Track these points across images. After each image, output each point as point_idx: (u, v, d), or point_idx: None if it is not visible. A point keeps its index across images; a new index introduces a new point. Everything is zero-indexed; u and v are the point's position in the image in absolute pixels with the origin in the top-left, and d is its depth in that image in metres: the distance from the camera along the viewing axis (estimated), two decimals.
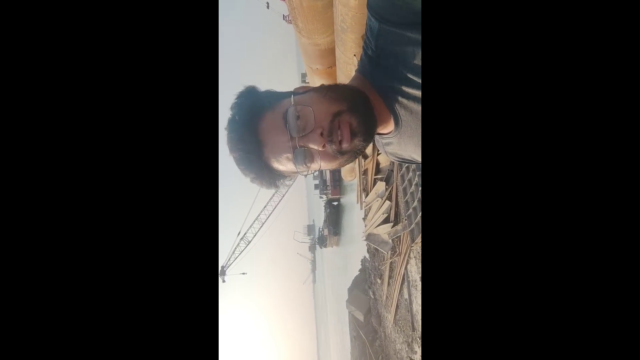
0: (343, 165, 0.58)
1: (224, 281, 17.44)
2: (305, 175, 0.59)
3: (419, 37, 0.50)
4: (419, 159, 0.66)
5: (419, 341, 4.24)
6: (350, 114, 0.52)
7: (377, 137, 0.66)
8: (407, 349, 4.67)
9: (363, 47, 0.59)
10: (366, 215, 6.77)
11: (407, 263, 4.50)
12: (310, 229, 41.30)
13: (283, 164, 0.55)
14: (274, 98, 0.56)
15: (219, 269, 16.76)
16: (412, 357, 4.44)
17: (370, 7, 0.55)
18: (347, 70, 3.16)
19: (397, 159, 0.72)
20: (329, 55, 3.51)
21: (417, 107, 0.55)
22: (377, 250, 5.98)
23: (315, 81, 4.39)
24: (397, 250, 4.93)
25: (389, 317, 5.41)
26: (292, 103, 0.53)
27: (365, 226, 6.56)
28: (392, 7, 0.51)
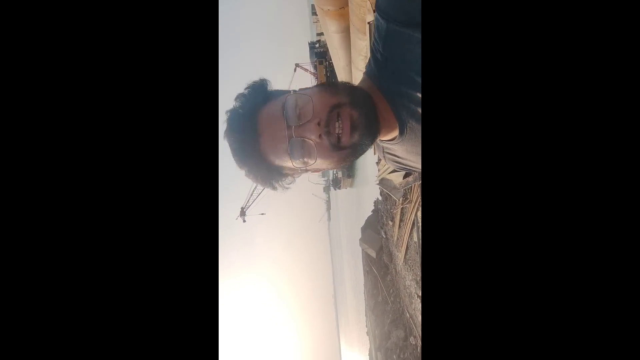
0: (340, 166, 0.57)
1: (244, 221, 18.37)
2: (300, 174, 0.58)
3: None
4: (420, 167, 0.66)
5: None
6: (352, 107, 0.52)
7: (377, 141, 0.65)
8: (415, 286, 5.03)
9: (371, 49, 0.58)
10: (379, 160, 6.79)
11: (418, 210, 4.63)
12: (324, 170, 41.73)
13: (279, 157, 0.54)
14: (278, 93, 0.57)
15: (239, 210, 17.61)
16: (420, 294, 4.81)
17: (378, 7, 0.54)
18: (360, 13, 2.95)
19: (396, 164, 0.71)
20: None
21: None
22: (389, 194, 6.12)
23: (327, 23, 4.11)
24: (409, 197, 5.04)
25: (400, 256, 5.73)
26: (292, 92, 0.53)
27: (379, 170, 6.62)
28: (400, 6, 0.51)
